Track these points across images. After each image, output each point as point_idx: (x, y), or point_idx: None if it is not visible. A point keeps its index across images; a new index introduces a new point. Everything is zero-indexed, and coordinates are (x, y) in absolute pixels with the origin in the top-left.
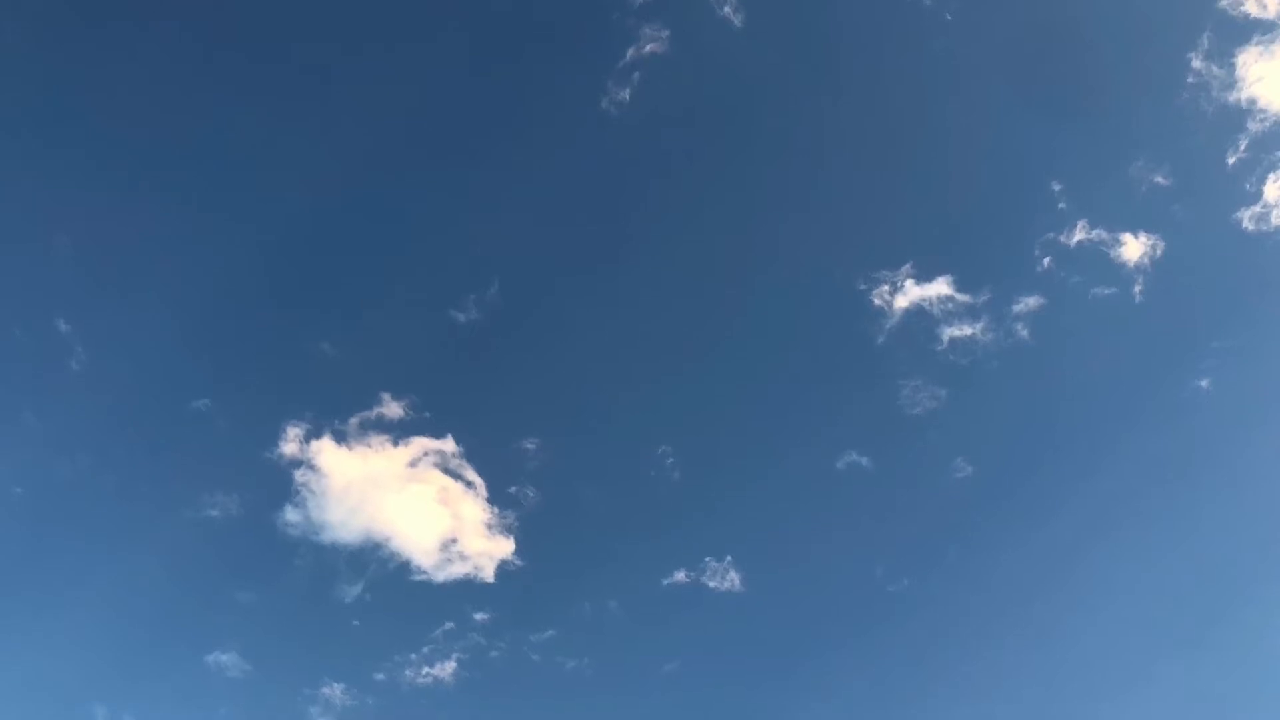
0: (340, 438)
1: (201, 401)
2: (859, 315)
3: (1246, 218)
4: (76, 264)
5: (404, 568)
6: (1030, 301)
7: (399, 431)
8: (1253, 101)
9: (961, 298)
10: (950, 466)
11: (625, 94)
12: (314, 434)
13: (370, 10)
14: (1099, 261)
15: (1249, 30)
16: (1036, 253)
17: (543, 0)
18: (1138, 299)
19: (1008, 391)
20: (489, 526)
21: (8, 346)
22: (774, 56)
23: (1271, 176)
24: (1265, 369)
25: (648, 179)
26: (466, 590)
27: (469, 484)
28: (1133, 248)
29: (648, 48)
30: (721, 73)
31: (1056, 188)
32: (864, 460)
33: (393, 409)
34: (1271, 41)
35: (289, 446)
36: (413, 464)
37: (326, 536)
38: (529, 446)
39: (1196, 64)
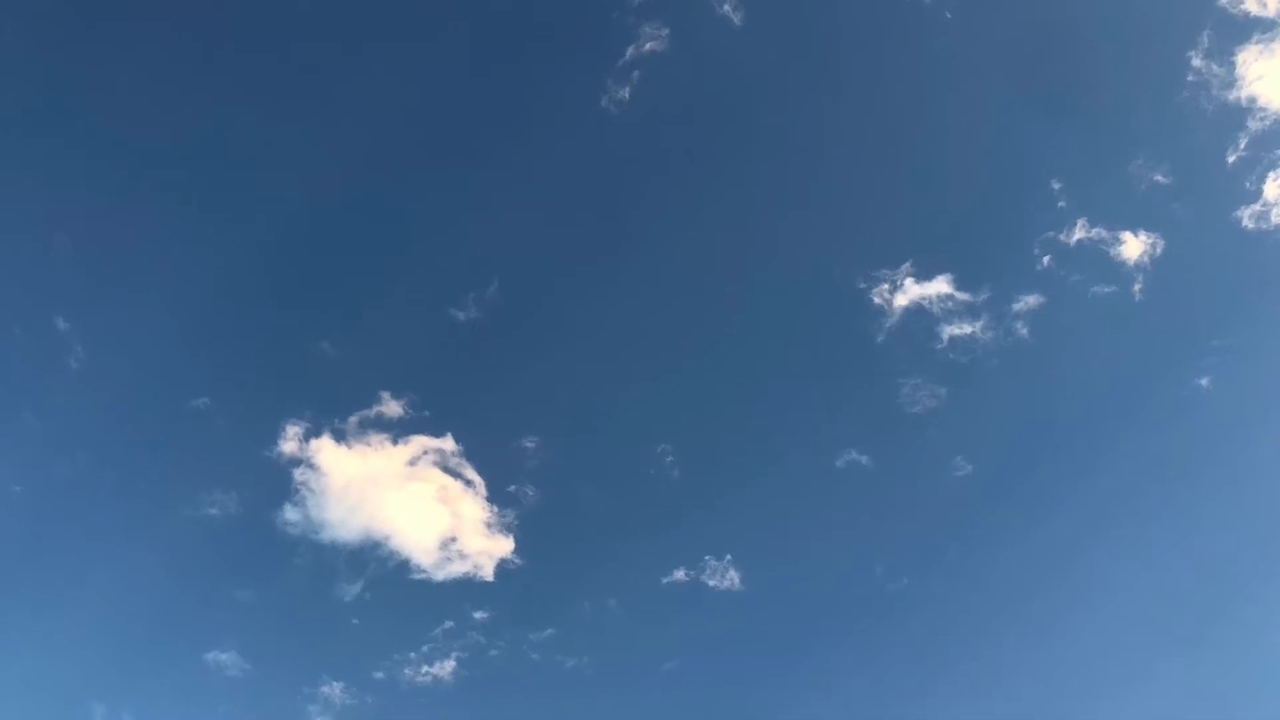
0: (340, 436)
1: (201, 400)
2: (859, 314)
3: (1246, 216)
4: (76, 262)
5: (403, 566)
6: (1030, 300)
7: (398, 430)
8: (1253, 100)
9: (961, 296)
10: (950, 465)
11: (625, 92)
12: (313, 432)
13: (369, 9)
14: (1099, 260)
15: (1249, 29)
16: (1036, 251)
17: None
18: (1137, 297)
19: (1007, 390)
20: (488, 525)
21: (7, 345)
22: (773, 55)
23: (1271, 175)
24: (1265, 367)
25: (647, 177)
26: (466, 589)
27: (468, 483)
28: (1132, 246)
29: (647, 46)
30: (721, 71)
31: (1056, 186)
32: (864, 459)
33: (392, 408)
34: (1271, 40)
35: (288, 445)
36: (412, 463)
37: (326, 535)
38: (528, 445)
39: (1196, 62)
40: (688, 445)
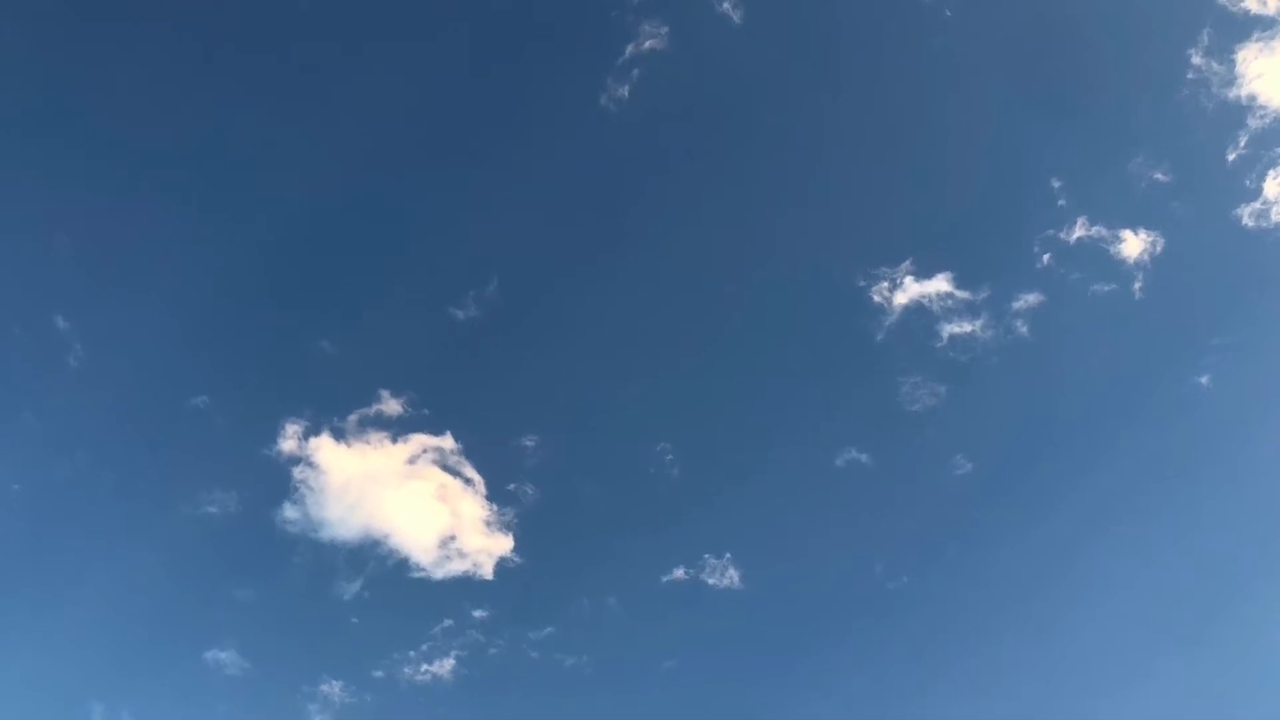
0: (339, 435)
1: (200, 399)
2: (858, 312)
3: (1246, 214)
4: (75, 262)
5: (403, 565)
6: (1030, 298)
7: (398, 428)
8: (1253, 98)
9: (961, 294)
10: (950, 463)
11: (624, 91)
12: (313, 431)
13: (369, 8)
14: (1099, 258)
15: (1249, 27)
16: (1036, 249)
17: None
18: (1137, 295)
19: (1007, 388)
20: (488, 524)
21: (7, 344)
22: (773, 53)
23: (1271, 173)
24: (1265, 365)
25: (647, 176)
26: (465, 587)
27: (468, 481)
28: (1132, 244)
29: (647, 44)
30: (720, 69)
31: (1056, 184)
32: (863, 457)
33: (391, 406)
34: (1271, 38)
35: (288, 443)
36: (411, 461)
37: (325, 534)
38: (528, 444)
39: (1196, 60)
40: (687, 443)
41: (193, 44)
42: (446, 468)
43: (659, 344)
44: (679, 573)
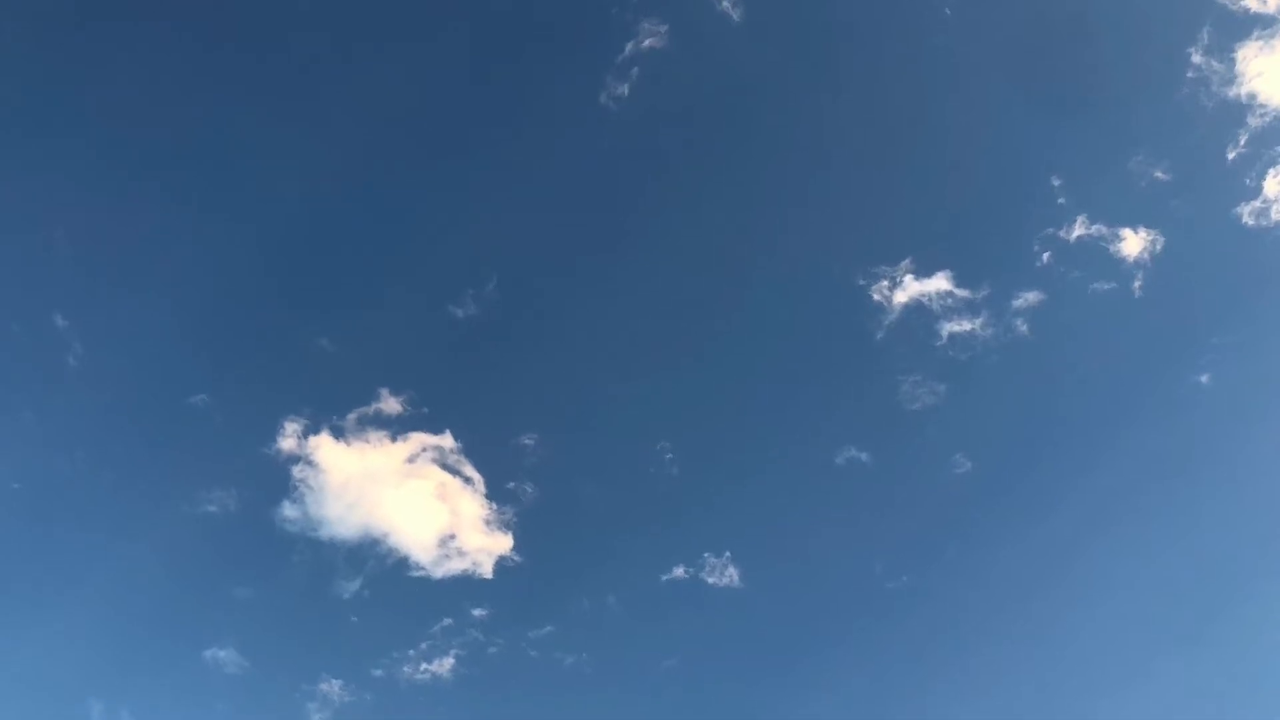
0: (338, 433)
1: (199, 397)
2: (858, 311)
3: (1246, 213)
4: (74, 260)
5: (402, 564)
6: (1030, 297)
7: (397, 427)
8: (1253, 96)
9: (961, 293)
10: (949, 462)
11: (624, 89)
12: (312, 429)
13: (368, 6)
14: (1098, 257)
15: (1249, 25)
16: (1036, 248)
17: None
18: (1137, 294)
19: (1007, 387)
20: (487, 522)
21: (6, 342)
22: (773, 51)
23: (1271, 172)
24: (1265, 364)
25: (646, 174)
26: (465, 586)
27: (467, 480)
28: (1132, 243)
29: (646, 43)
30: (720, 68)
31: (1056, 183)
32: (863, 456)
33: (391, 405)
34: (1271, 36)
35: (287, 442)
36: (411, 460)
37: (324, 532)
38: (527, 442)
39: (1196, 59)
40: (687, 442)
41: (192, 43)
42: (446, 466)
43: (658, 343)
44: (679, 571)
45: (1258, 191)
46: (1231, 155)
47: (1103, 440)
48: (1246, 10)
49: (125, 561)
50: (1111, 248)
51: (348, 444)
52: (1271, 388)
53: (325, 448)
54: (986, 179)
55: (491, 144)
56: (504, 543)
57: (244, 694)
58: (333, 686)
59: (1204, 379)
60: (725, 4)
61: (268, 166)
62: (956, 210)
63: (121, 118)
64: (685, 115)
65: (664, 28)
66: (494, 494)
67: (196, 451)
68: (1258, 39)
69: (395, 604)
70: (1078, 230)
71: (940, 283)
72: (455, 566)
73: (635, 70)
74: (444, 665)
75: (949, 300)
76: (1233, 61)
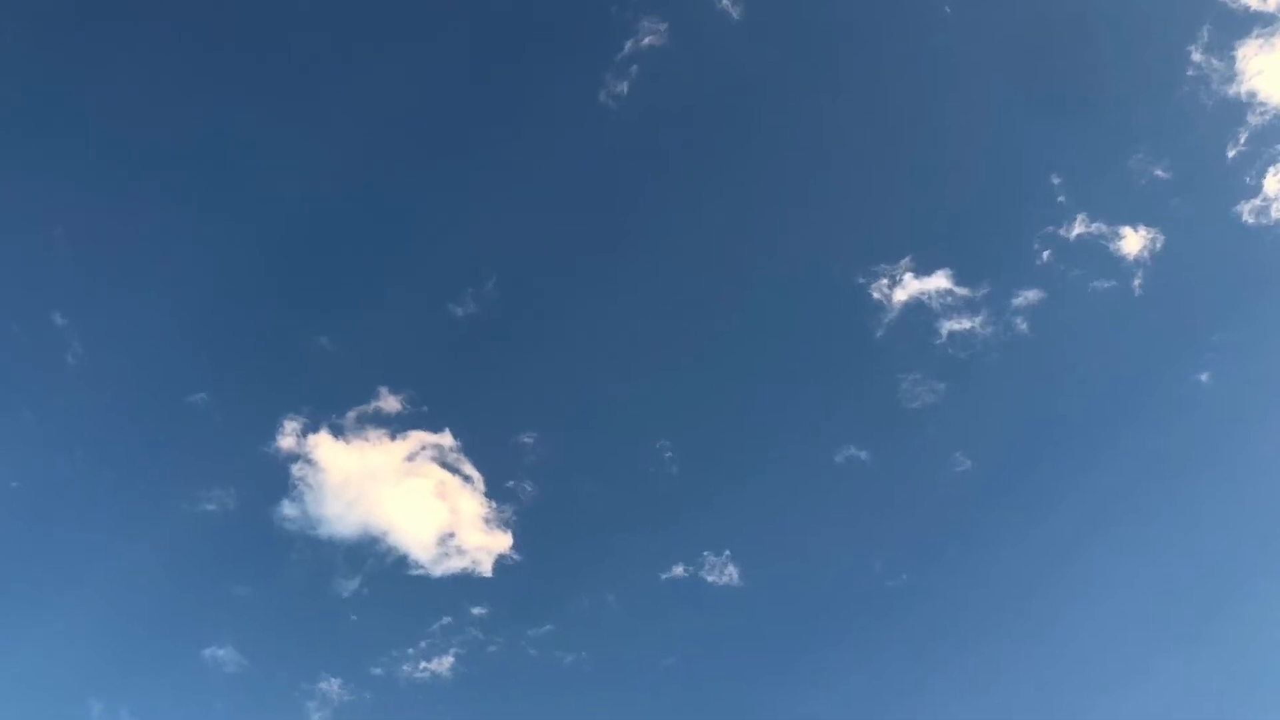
0: (337, 432)
1: (198, 396)
2: (858, 309)
3: (1246, 211)
4: (73, 258)
5: (401, 562)
6: (1029, 295)
7: (396, 425)
8: (1253, 95)
9: (961, 291)
10: (949, 461)
11: (623, 87)
12: (311, 428)
13: (366, 5)
14: (1098, 255)
15: (1249, 23)
16: (1036, 246)
17: None
18: (1137, 292)
19: (1007, 385)
20: (486, 521)
21: (5, 341)
22: (772, 50)
23: (1271, 170)
24: (1265, 363)
25: (646, 173)
26: (464, 585)
27: (466, 478)
28: (1132, 241)
29: (646, 41)
30: (720, 66)
31: (1056, 181)
32: (863, 454)
33: (390, 403)
34: (1272, 35)
35: (286, 440)
36: (410, 458)
37: (324, 531)
38: (527, 441)
39: (1196, 57)
40: (686, 441)
41: (191, 42)
42: (445, 465)
43: (658, 341)
44: (678, 570)
45: (1258, 190)
46: (1231, 153)
47: (1102, 439)
48: (1246, 8)
49: (124, 560)
50: (1111, 246)
51: (347, 442)
52: (1272, 387)
53: (324, 446)
54: (986, 177)
55: (491, 142)
56: (503, 541)
57: (243, 693)
58: (332, 685)
59: (1204, 378)
60: (725, 2)
61: (267, 165)
62: (956, 208)
63: (121, 117)
64: (685, 114)
65: (663, 26)
66: (493, 492)
67: (196, 450)
68: (1258, 37)
69: (394, 602)
70: (1078, 229)
71: (940, 281)
72: (454, 565)
73: (635, 68)
74: (443, 664)
75: (949, 299)
76: (1233, 60)
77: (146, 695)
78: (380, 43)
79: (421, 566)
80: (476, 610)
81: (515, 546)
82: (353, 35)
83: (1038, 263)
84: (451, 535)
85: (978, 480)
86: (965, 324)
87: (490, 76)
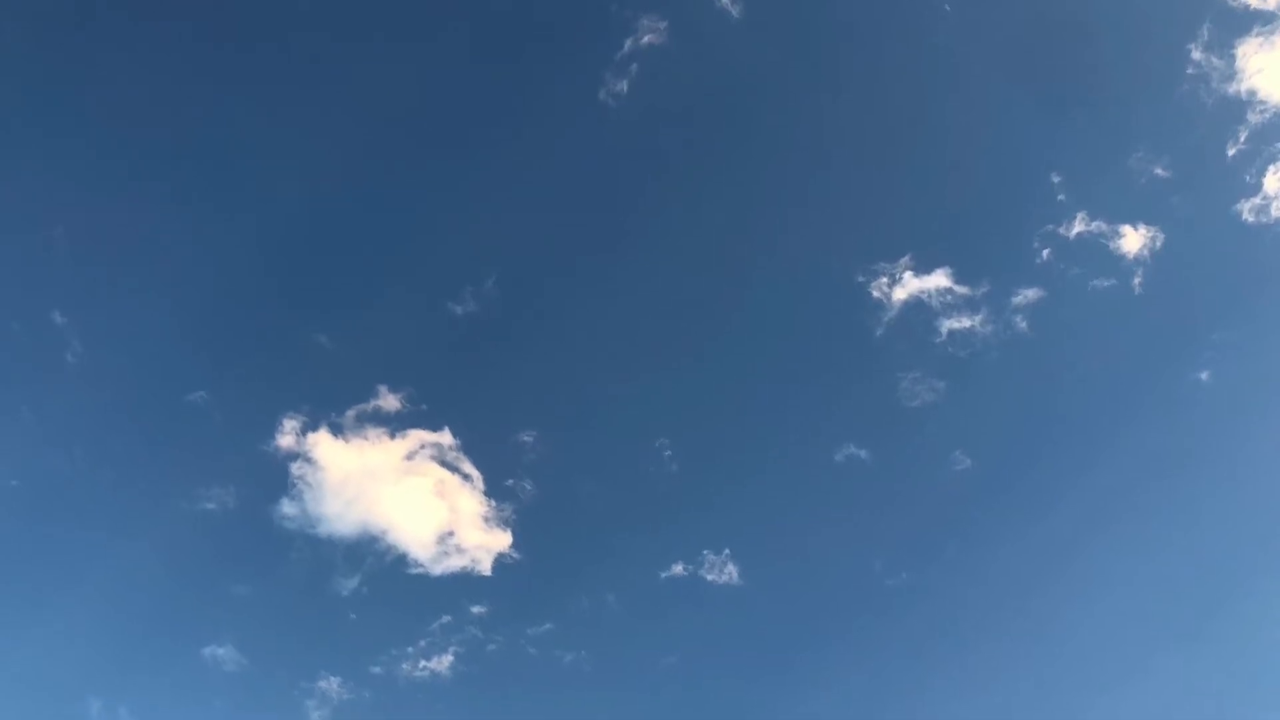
0: (337, 430)
1: (198, 394)
2: (857, 307)
3: (1246, 209)
4: (73, 257)
5: (401, 561)
6: (1029, 294)
7: (396, 424)
8: (1253, 93)
9: (960, 290)
10: (949, 459)
11: (623, 86)
12: (310, 426)
13: (366, 3)
14: (1098, 253)
15: (1249, 21)
16: (1036, 245)
17: None
18: (1137, 291)
19: (1007, 384)
20: (486, 519)
21: (4, 340)
22: (772, 48)
23: (1271, 168)
24: (1265, 362)
25: (645, 171)
26: (463, 583)
27: (466, 477)
28: (1132, 240)
29: (646, 39)
30: (720, 65)
31: (1056, 179)
32: (862, 453)
33: (389, 401)
34: (1272, 33)
35: (285, 439)
36: (409, 457)
37: (323, 529)
38: (526, 439)
39: (1196, 55)
40: (686, 440)
41: (190, 40)
42: (445, 463)
43: (658, 340)
44: (678, 569)
45: (1258, 188)
46: (1231, 152)
47: (1102, 437)
48: (1246, 7)
49: (124, 559)
50: (1111, 245)
51: (346, 441)
52: (1271, 385)
53: (324, 445)
54: (986, 176)
55: (490, 141)
56: (503, 540)
57: (242, 691)
58: (331, 684)
59: (1204, 376)
60: (725, 1)
61: (266, 164)
62: (956, 207)
63: (119, 114)
64: (684, 112)
65: (663, 24)
66: (493, 491)
67: (195, 449)
68: (1258, 35)
69: (394, 601)
70: (1077, 227)
71: (940, 280)
72: (454, 564)
73: (634, 67)
74: (443, 662)
75: (948, 297)
76: (1233, 58)
77: (146, 694)
78: (379, 41)
79: (421, 565)
80: (476, 609)
81: (515, 545)
82: (352, 34)
83: (1037, 261)
84: (451, 534)
85: (977, 479)
86: (965, 323)
87: (490, 75)
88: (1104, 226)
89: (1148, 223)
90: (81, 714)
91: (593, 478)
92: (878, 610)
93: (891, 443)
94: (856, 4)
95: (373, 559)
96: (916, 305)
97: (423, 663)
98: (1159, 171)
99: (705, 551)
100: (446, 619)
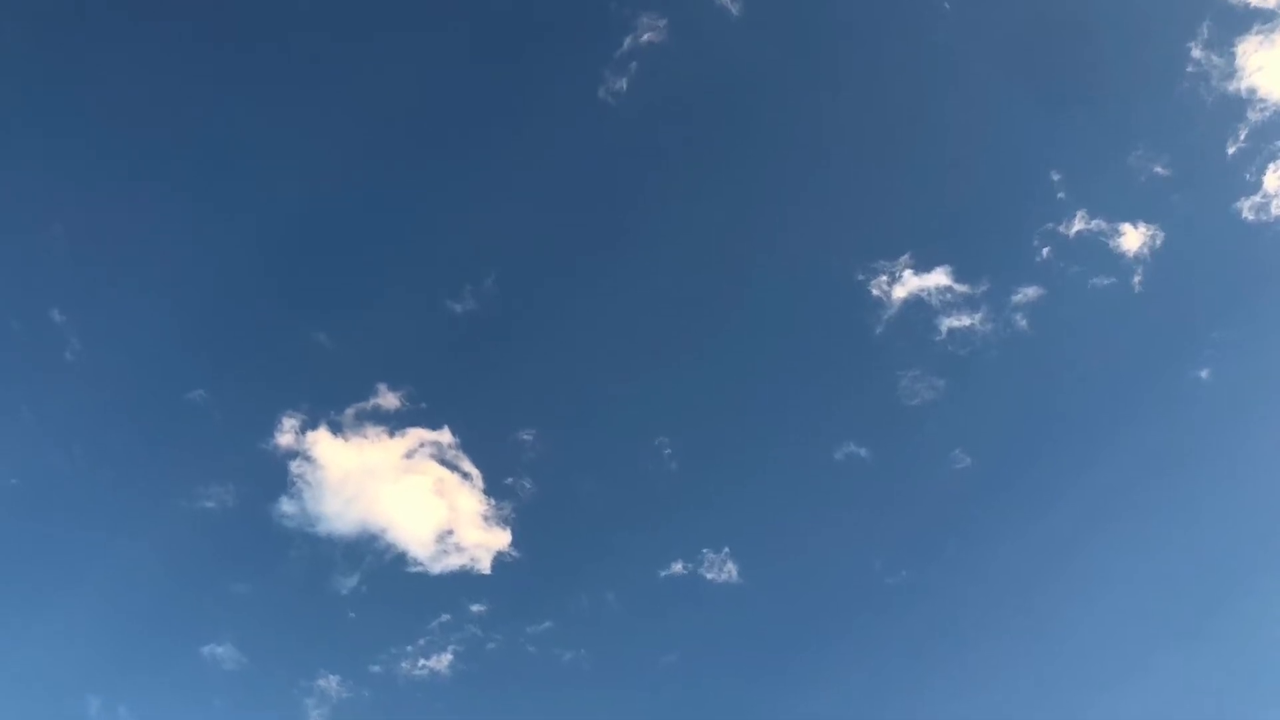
0: (336, 429)
1: (197, 392)
2: (857, 306)
3: (1246, 208)
4: (71, 255)
5: (400, 559)
6: (1029, 292)
7: (395, 422)
8: (1253, 91)
9: (960, 288)
10: (949, 458)
11: (622, 84)
12: (310, 425)
13: (365, 1)
14: (1098, 252)
15: (1249, 19)
16: (1035, 243)
17: None
18: (1137, 289)
19: (1006, 382)
20: (485, 518)
21: (3, 338)
22: (772, 46)
23: (1271, 166)
24: (1265, 360)
25: (645, 170)
26: (463, 582)
27: (465, 475)
28: (1132, 238)
29: (645, 37)
30: (719, 62)
31: (1055, 178)
32: (862, 451)
33: (389, 400)
34: (1271, 31)
35: (285, 437)
36: (409, 455)
37: (322, 528)
38: (526, 438)
39: (1196, 53)
40: (686, 438)
41: (189, 38)
42: (444, 462)
43: (657, 338)
44: (677, 567)
45: (1258, 186)
46: (1231, 150)
47: (1102, 436)
48: (1246, 4)
49: (123, 557)
50: (1111, 243)
51: (346, 439)
52: (1271, 383)
53: (323, 443)
54: (986, 174)
55: (490, 139)
56: (502, 538)
57: (242, 690)
58: (330, 682)
59: (1204, 374)
60: None
61: (265, 162)
62: (956, 205)
63: (118, 112)
64: (684, 110)
65: (663, 22)
66: (492, 489)
67: (194, 447)
68: (1258, 33)
69: (393, 600)
70: (1077, 225)
71: (939, 278)
72: (453, 562)
73: (634, 65)
74: (442, 661)
75: (948, 295)
76: (1233, 56)
77: (145, 692)
78: (379, 40)
79: (420, 564)
80: (475, 608)
81: (514, 544)
82: (351, 32)
83: (1037, 260)
84: (450, 532)
85: (977, 477)
86: (965, 321)
87: (490, 73)
88: (1104, 225)
89: (1148, 221)
90: (81, 712)
91: (592, 476)
92: (877, 609)
93: (891, 441)
94: (856, 2)
95: (372, 557)
96: (916, 303)
97: (422, 661)
98: (1159, 170)
99: (705, 550)
100: (446, 618)
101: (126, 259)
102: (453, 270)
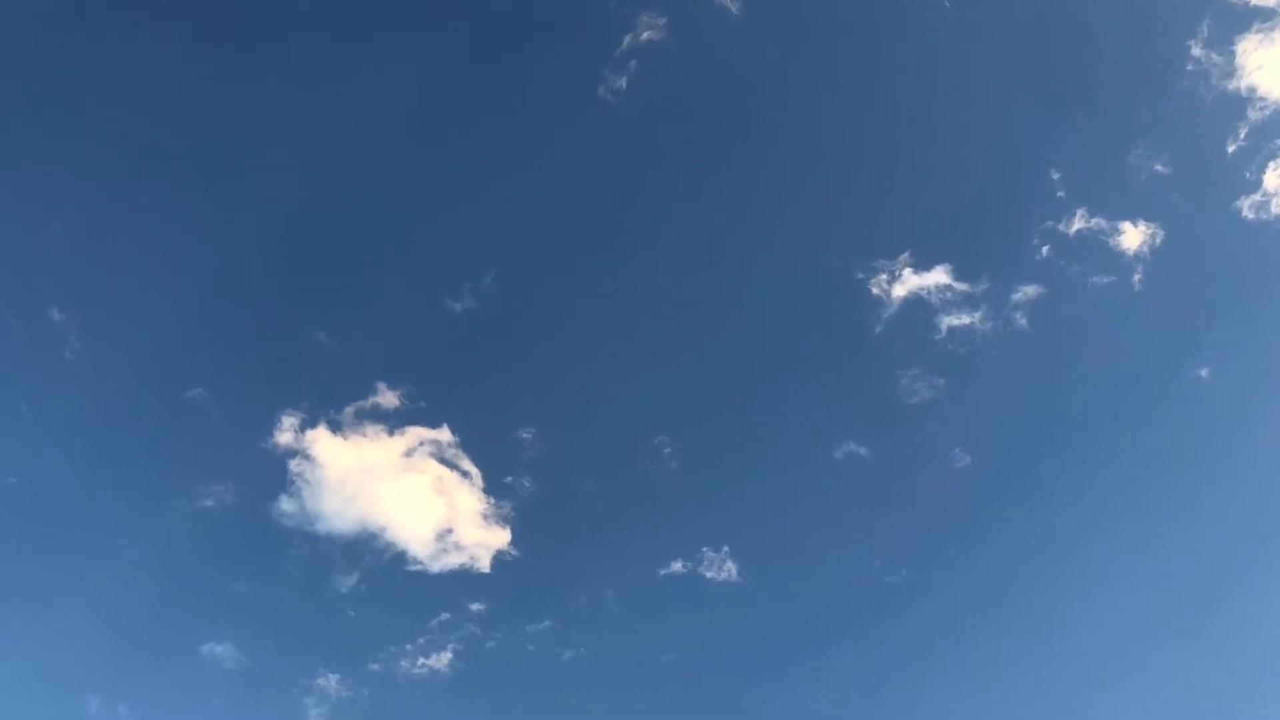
0: (335, 427)
1: (196, 391)
2: (857, 305)
3: (1246, 206)
4: (71, 254)
5: (399, 558)
6: (1029, 290)
7: (394, 421)
8: (1253, 90)
9: (960, 287)
10: (949, 457)
11: (622, 82)
12: (309, 424)
13: (365, 1)
14: (1098, 250)
15: (1249, 18)
16: (1035, 241)
17: None
18: (1137, 288)
19: (1006, 381)
20: (485, 517)
21: (2, 337)
22: (772, 45)
23: (1271, 165)
24: (1265, 359)
25: (645, 168)
26: (462, 581)
27: (465, 474)
28: (1132, 236)
29: (645, 36)
30: (719, 61)
31: (1055, 176)
32: (862, 450)
33: (388, 398)
34: (1271, 29)
35: (284, 436)
36: (408, 454)
37: (322, 527)
38: (525, 436)
39: (1196, 52)
40: (685, 437)
41: (189, 37)
42: (443, 460)
43: (657, 337)
44: (677, 566)
45: (1258, 185)
46: (1231, 149)
47: (1102, 435)
48: (1246, 3)
49: (122, 556)
50: (1111, 241)
51: (345, 438)
52: (1271, 383)
53: (322, 442)
54: (986, 172)
55: (490, 138)
56: (502, 537)
57: (241, 689)
58: (330, 681)
59: (1204, 373)
60: None
61: (264, 161)
62: (955, 204)
63: (118, 111)
64: (683, 109)
65: (662, 20)
66: (492, 488)
67: (193, 446)
68: (1258, 32)
69: (392, 598)
70: (1077, 224)
71: (939, 276)
72: (453, 561)
73: (633, 64)
74: (441, 660)
75: (948, 294)
76: (1233, 54)
77: (144, 691)
78: (378, 38)
79: (420, 562)
80: (475, 606)
81: (514, 542)
82: (351, 32)
83: (1037, 258)
84: (450, 531)
85: (977, 476)
86: (965, 319)
87: (489, 72)
88: (1104, 223)
89: (1147, 220)
90: (80, 711)
91: (592, 475)
92: (877, 608)
93: (891, 440)
94: (856, 1)
95: (371, 556)
96: (916, 302)
97: (421, 660)
98: (1159, 168)
99: (704, 549)
100: (445, 616)
101: (126, 258)
102: (452, 269)
